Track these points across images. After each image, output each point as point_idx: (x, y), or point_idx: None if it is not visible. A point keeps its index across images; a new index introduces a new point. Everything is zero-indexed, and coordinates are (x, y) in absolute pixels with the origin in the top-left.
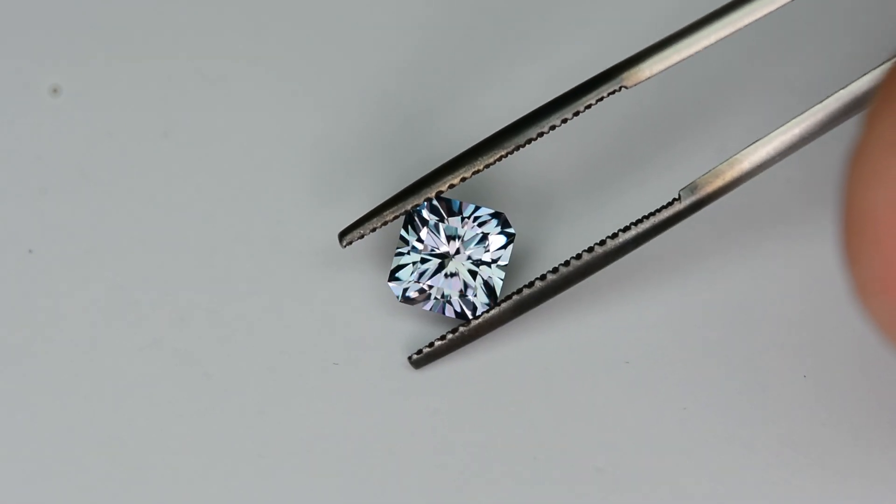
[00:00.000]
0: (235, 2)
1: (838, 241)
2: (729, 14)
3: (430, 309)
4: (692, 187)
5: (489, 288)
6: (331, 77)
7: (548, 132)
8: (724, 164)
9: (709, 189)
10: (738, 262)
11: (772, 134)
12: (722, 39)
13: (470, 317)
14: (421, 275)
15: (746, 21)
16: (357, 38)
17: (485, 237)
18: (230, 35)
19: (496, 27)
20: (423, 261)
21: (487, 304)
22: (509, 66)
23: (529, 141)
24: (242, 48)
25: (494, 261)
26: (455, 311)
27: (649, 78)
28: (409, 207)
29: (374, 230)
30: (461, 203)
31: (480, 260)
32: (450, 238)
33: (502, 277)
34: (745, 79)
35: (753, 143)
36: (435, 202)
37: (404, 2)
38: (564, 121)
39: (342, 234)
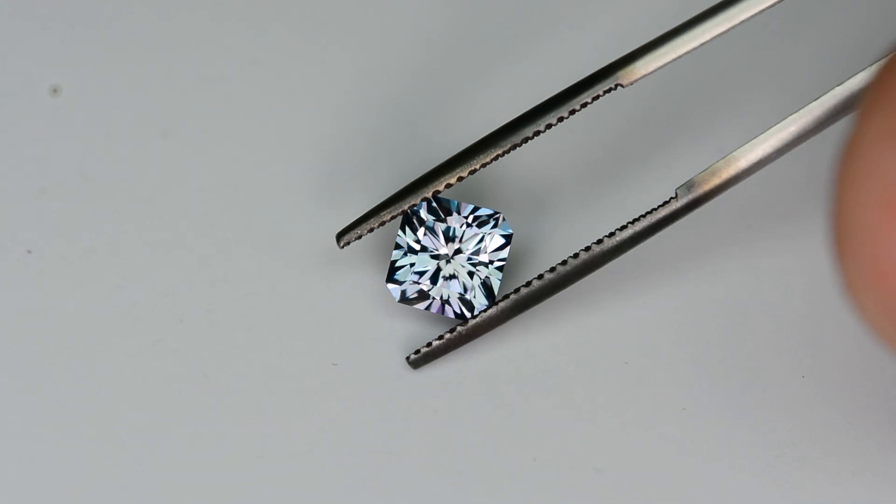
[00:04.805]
0: (235, 2)
1: (828, 236)
2: (724, 11)
3: (428, 309)
4: (689, 185)
5: (487, 288)
6: (330, 77)
7: (544, 131)
8: (721, 161)
9: (706, 187)
10: (736, 261)
11: (769, 131)
12: (717, 37)
13: (468, 317)
14: (419, 275)
15: (741, 18)
16: (356, 38)
17: (482, 237)
18: (230, 35)
19: (493, 27)
20: (421, 261)
21: (485, 304)
22: (506, 66)
23: (526, 140)
24: (242, 49)
25: (492, 261)
26: (453, 311)
27: (645, 76)
28: (406, 208)
29: (371, 231)
30: (458, 203)
31: (478, 260)
32: (447, 238)
33: (500, 277)
34: (742, 76)
35: (750, 140)
36: (432, 202)
37: (402, 3)
38: (560, 119)
39: (340, 236)
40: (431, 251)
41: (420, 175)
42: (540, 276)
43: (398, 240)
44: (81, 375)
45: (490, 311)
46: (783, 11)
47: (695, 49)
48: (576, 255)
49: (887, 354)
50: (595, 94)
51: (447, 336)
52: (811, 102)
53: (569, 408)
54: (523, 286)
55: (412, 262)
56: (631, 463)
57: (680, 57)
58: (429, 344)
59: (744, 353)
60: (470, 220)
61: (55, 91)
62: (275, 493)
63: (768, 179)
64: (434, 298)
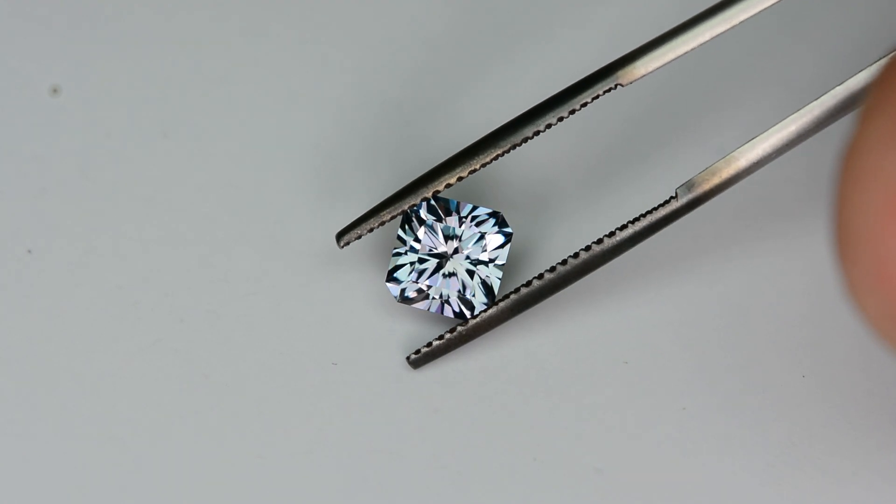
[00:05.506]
0: (235, 2)
1: (831, 238)
2: (724, 11)
3: (429, 309)
4: (689, 185)
5: (487, 287)
6: (330, 77)
7: (544, 131)
8: (721, 161)
9: (706, 187)
10: (736, 261)
11: (769, 131)
12: (717, 36)
13: (468, 316)
14: (419, 275)
15: (742, 18)
16: (356, 38)
17: (482, 236)
18: (230, 35)
19: (493, 27)
20: (421, 261)
21: (485, 304)
22: (506, 66)
23: (526, 140)
24: (242, 48)
25: (492, 260)
26: (453, 311)
27: (645, 76)
28: (406, 207)
29: (371, 231)
30: (458, 203)
31: (478, 259)
32: (447, 238)
33: (500, 277)
34: (742, 76)
35: (750, 140)
36: (432, 202)
37: (402, 3)
38: (560, 119)
39: (339, 235)
40: (431, 251)
41: (420, 175)
42: (540, 276)
43: (398, 239)
44: (81, 375)
45: (490, 311)
46: (783, 11)
47: (695, 49)
48: (576, 255)
49: (887, 354)
50: (595, 94)
51: (447, 336)
52: (811, 102)
53: (569, 408)
54: (523, 286)
55: (412, 261)
56: (631, 463)
57: (680, 56)
58: (429, 344)
59: (744, 353)
60: (469, 219)
61: (55, 91)
62: (275, 493)
63: (768, 179)
64: (434, 298)
